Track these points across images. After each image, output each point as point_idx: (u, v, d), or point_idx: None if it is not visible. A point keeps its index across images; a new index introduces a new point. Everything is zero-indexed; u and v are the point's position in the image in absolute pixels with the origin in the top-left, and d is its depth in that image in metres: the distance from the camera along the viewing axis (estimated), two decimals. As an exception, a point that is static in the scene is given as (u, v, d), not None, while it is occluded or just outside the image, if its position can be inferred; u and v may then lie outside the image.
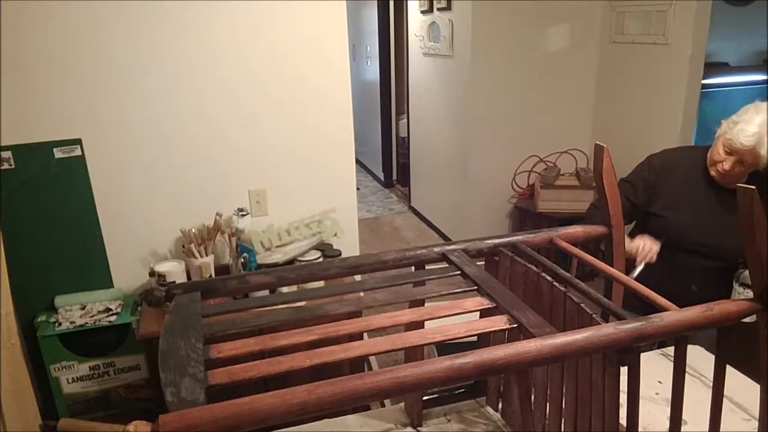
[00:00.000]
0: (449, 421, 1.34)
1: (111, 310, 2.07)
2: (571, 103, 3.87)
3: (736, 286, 1.60)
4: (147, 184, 2.14)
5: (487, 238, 1.22)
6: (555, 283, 1.03)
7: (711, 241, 1.73)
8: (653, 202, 1.85)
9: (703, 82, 3.14)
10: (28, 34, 1.88)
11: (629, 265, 1.72)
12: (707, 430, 0.96)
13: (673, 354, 0.88)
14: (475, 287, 1.02)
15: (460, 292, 1.03)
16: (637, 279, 1.49)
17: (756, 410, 0.97)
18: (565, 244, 1.23)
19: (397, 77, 5.64)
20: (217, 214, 2.11)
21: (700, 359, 1.48)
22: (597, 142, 1.37)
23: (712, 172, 1.74)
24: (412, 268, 1.18)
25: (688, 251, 1.78)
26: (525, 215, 3.87)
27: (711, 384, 0.95)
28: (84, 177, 2.05)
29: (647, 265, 1.71)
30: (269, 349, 0.85)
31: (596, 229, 1.32)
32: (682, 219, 1.79)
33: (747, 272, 1.57)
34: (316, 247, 2.23)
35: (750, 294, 1.50)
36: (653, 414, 1.32)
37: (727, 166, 1.69)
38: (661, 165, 1.86)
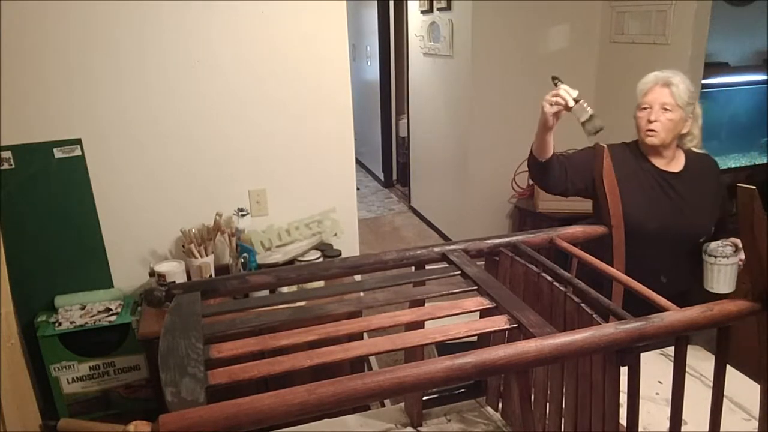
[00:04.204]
0: (449, 421, 1.34)
1: (111, 310, 2.07)
2: (571, 103, 3.86)
3: (705, 257, 1.63)
4: (147, 184, 2.14)
5: (487, 238, 1.22)
6: (555, 283, 1.03)
7: (669, 223, 1.73)
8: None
9: (703, 82, 3.13)
10: (28, 34, 1.88)
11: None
12: (707, 430, 0.96)
13: (673, 354, 0.89)
14: (475, 287, 1.02)
15: (460, 292, 1.03)
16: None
17: (756, 410, 0.97)
18: (565, 244, 1.23)
19: (397, 77, 5.64)
20: (217, 214, 2.11)
21: (700, 359, 1.48)
22: (597, 142, 1.37)
23: (647, 139, 1.74)
24: (412, 268, 1.18)
25: (650, 240, 1.77)
26: (525, 215, 3.87)
27: (711, 384, 0.95)
28: (84, 177, 2.05)
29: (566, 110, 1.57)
30: (269, 349, 0.85)
31: (596, 229, 1.32)
32: (636, 207, 1.78)
33: (713, 244, 1.60)
34: (316, 247, 2.23)
35: (720, 261, 1.56)
36: (653, 414, 1.32)
37: (653, 116, 1.70)
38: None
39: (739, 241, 1.68)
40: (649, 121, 1.71)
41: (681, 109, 1.69)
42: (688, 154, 1.80)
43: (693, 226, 1.73)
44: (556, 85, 1.58)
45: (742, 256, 1.64)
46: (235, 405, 0.65)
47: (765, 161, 3.52)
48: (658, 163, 1.78)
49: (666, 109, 1.69)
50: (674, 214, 1.73)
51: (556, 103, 1.54)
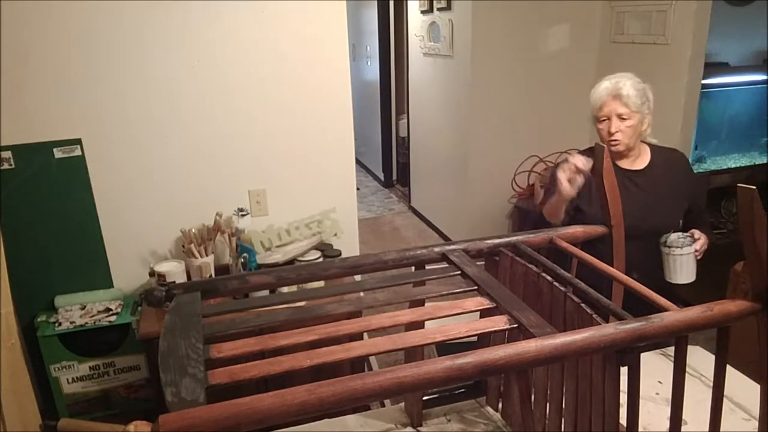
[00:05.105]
0: (449, 421, 1.34)
1: (111, 310, 2.07)
2: (571, 103, 3.87)
3: (662, 248, 1.66)
4: (147, 184, 2.13)
5: (487, 238, 1.22)
6: (555, 283, 1.04)
7: (638, 222, 1.74)
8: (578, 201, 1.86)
9: (703, 82, 3.13)
10: (28, 33, 1.88)
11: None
12: (707, 430, 0.96)
13: (673, 354, 0.89)
14: (475, 287, 1.02)
15: (460, 292, 1.03)
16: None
17: (756, 410, 0.97)
18: (565, 244, 1.23)
19: (397, 77, 5.63)
20: (217, 214, 2.11)
21: (700, 359, 1.48)
22: (597, 143, 1.37)
23: (612, 148, 1.77)
24: (412, 268, 1.18)
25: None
26: (525, 215, 3.87)
27: (711, 384, 0.95)
28: (84, 177, 2.05)
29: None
30: (269, 349, 0.85)
31: (596, 229, 1.32)
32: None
33: (672, 235, 1.64)
34: (316, 247, 2.23)
35: (674, 252, 1.62)
36: (653, 414, 1.32)
37: (613, 127, 1.74)
38: None
39: (697, 232, 1.70)
40: (610, 133, 1.76)
41: (637, 113, 1.74)
42: (654, 149, 1.83)
43: (659, 221, 1.76)
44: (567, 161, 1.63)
45: (698, 246, 1.67)
46: (235, 405, 0.65)
47: (765, 161, 3.52)
48: (623, 163, 1.81)
49: (623, 119, 1.74)
50: (640, 211, 1.75)
51: (569, 169, 1.60)
